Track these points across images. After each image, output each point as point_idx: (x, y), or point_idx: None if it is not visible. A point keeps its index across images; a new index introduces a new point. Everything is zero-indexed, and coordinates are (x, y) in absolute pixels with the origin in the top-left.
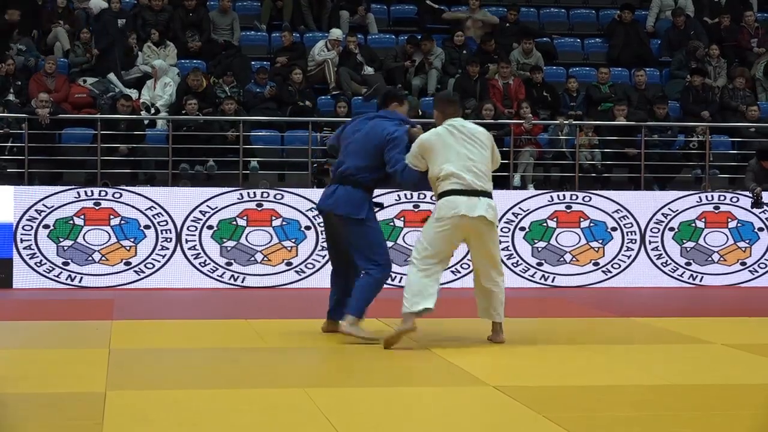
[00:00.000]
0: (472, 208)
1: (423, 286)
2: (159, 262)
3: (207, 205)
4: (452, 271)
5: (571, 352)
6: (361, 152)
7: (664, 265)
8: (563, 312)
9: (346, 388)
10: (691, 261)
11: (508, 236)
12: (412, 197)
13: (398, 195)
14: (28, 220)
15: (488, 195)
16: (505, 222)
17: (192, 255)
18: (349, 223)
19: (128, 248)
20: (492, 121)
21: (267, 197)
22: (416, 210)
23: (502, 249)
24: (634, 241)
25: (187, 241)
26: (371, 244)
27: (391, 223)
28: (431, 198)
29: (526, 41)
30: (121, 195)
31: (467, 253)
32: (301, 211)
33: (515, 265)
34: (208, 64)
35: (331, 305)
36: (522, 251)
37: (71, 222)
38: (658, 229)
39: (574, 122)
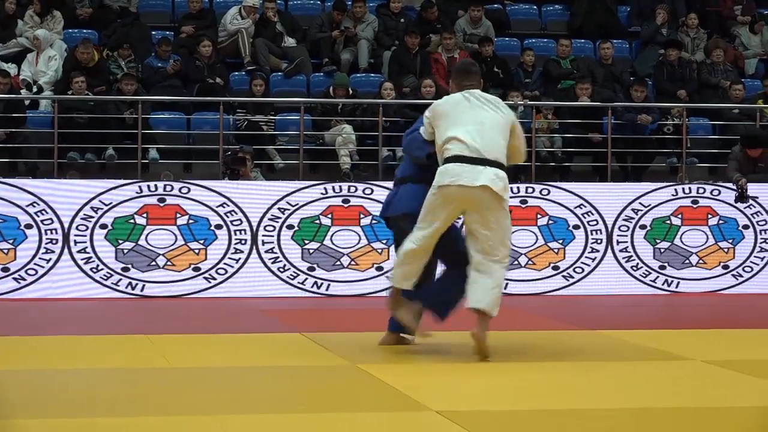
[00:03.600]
0: (475, 177)
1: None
2: (43, 267)
3: (100, 201)
4: (388, 277)
5: (528, 371)
6: None
7: (635, 269)
8: (517, 324)
9: (263, 414)
10: (666, 264)
11: None
12: (341, 191)
13: (324, 188)
14: None
15: (498, 165)
16: None
17: (82, 259)
18: None
19: (6, 252)
20: (433, 101)
21: (170, 191)
22: (346, 206)
23: None
24: (599, 242)
25: (76, 242)
26: None
27: (317, 221)
28: (363, 192)
29: (474, 8)
30: None
31: None
32: (210, 208)
33: None
34: (101, 34)
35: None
36: None
37: None
38: (628, 227)
39: (529, 103)
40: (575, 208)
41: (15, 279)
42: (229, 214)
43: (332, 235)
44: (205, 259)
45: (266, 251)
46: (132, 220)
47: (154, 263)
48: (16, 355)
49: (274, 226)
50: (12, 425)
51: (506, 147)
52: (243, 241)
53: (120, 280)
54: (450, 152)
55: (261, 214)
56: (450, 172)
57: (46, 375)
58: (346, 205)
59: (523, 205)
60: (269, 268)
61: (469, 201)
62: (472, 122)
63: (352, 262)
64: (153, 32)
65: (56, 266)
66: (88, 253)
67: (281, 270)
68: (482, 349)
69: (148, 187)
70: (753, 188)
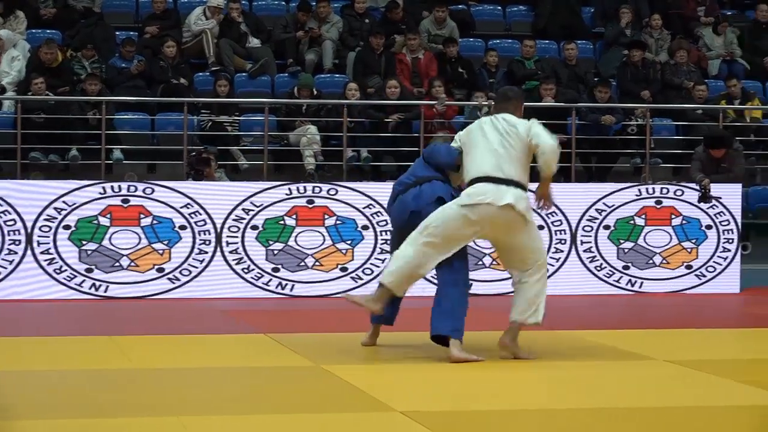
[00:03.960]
0: (501, 196)
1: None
2: (5, 269)
3: (63, 201)
4: (352, 278)
5: (492, 372)
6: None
7: (599, 269)
8: (481, 324)
9: (226, 415)
10: (630, 264)
11: None
12: (305, 191)
13: (289, 189)
14: None
15: (519, 186)
16: None
17: (45, 260)
18: None
19: None
20: (399, 101)
21: (134, 192)
22: (310, 206)
23: None
24: (563, 242)
25: (39, 243)
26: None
27: (281, 222)
28: (327, 192)
29: (439, 9)
30: None
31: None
32: (174, 208)
33: None
34: (64, 34)
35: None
36: None
37: None
38: (591, 228)
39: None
40: (539, 208)
41: None
42: (193, 215)
43: (297, 236)
44: (169, 260)
45: (230, 252)
46: (96, 221)
47: (117, 264)
48: None
49: (238, 227)
50: None
51: (527, 167)
52: (207, 242)
53: (84, 281)
54: (474, 173)
55: (225, 214)
56: (477, 191)
57: (6, 376)
58: (310, 206)
59: None
60: (233, 269)
61: (494, 220)
62: (496, 144)
63: (317, 263)
64: (117, 32)
65: (19, 267)
66: (52, 254)
67: (245, 271)
68: (512, 353)
69: (112, 187)
70: (716, 188)
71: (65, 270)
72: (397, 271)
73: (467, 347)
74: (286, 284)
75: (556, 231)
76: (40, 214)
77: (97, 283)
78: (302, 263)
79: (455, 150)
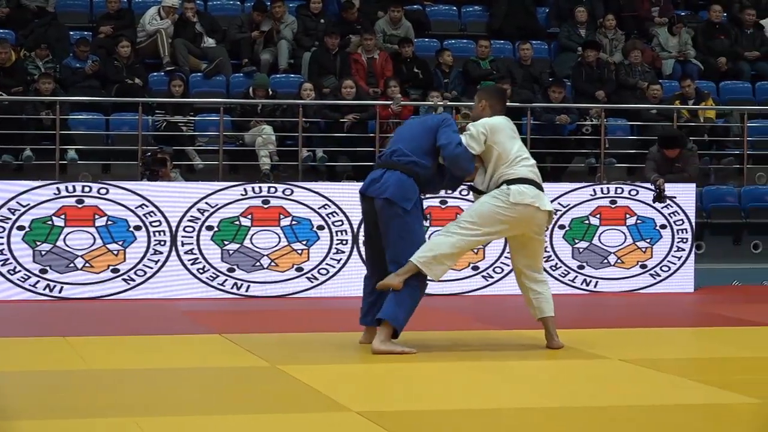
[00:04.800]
0: (544, 202)
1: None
2: None
3: (17, 202)
4: (308, 278)
5: (448, 372)
6: (415, 135)
7: (554, 268)
8: (437, 324)
9: (182, 416)
10: (585, 264)
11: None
12: (260, 191)
13: (244, 189)
14: None
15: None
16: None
17: None
18: (393, 212)
19: None
20: (354, 101)
21: (89, 192)
22: (266, 207)
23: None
24: None
25: None
26: (412, 243)
27: (237, 222)
28: (283, 192)
29: (394, 9)
30: None
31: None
32: (129, 209)
33: None
34: (18, 34)
35: (364, 310)
36: None
37: None
38: (547, 228)
39: (449, 103)
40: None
41: None
42: (148, 215)
43: (252, 236)
44: (124, 260)
45: (186, 252)
46: (50, 222)
47: (72, 265)
48: None
49: (193, 227)
50: None
51: None
52: (162, 243)
53: (38, 282)
54: (522, 173)
55: (180, 215)
56: (529, 192)
57: None
58: (265, 206)
59: (443, 206)
60: (189, 270)
61: (534, 222)
62: (522, 146)
63: (272, 263)
64: (71, 32)
65: None
66: (5, 255)
67: (201, 271)
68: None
69: (66, 188)
70: (670, 188)
71: (19, 271)
72: (428, 252)
73: (427, 347)
74: (242, 284)
75: None
76: None
77: (52, 284)
78: (257, 263)
79: (474, 161)
